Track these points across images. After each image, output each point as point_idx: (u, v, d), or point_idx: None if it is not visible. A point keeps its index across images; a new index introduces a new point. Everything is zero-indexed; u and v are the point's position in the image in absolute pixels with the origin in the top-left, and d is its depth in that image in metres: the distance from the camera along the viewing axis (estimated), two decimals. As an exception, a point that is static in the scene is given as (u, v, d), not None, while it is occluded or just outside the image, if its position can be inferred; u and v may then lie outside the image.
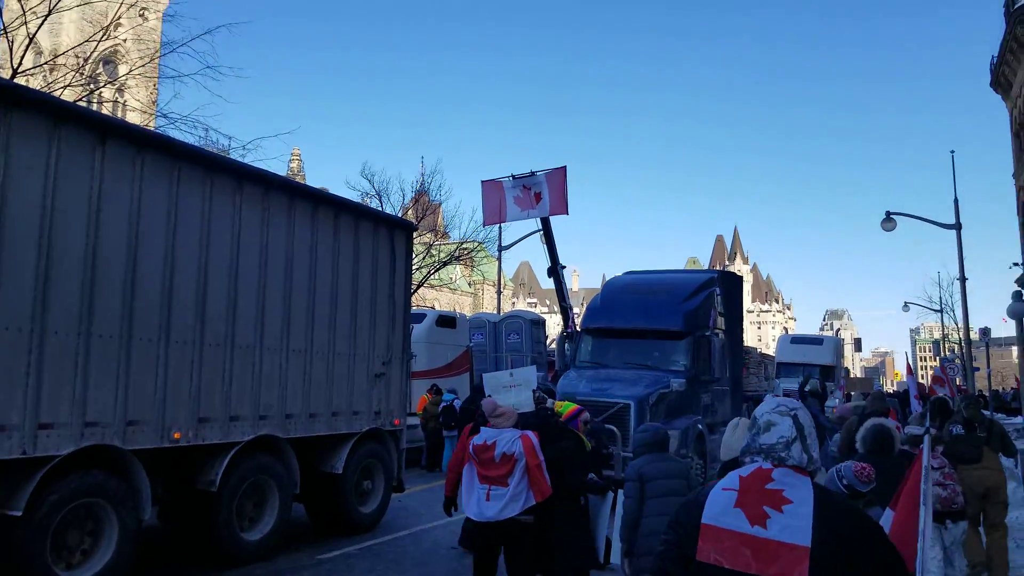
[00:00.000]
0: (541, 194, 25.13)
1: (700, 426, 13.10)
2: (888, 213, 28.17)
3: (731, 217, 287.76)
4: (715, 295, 15.05)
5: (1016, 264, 52.06)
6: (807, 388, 17.01)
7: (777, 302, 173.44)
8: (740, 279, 16.76)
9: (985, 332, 35.70)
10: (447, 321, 19.30)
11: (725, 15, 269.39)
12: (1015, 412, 30.91)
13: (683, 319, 13.83)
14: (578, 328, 14.93)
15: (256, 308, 8.15)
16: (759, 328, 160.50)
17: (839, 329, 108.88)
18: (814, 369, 28.48)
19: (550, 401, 11.89)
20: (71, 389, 6.18)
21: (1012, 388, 56.96)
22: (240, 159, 11.38)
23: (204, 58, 23.40)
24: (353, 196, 41.12)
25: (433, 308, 37.99)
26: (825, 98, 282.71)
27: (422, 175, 34.50)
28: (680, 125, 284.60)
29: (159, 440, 6.96)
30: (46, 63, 16.89)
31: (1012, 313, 16.82)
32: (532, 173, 24.92)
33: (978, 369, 36.20)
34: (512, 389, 7.36)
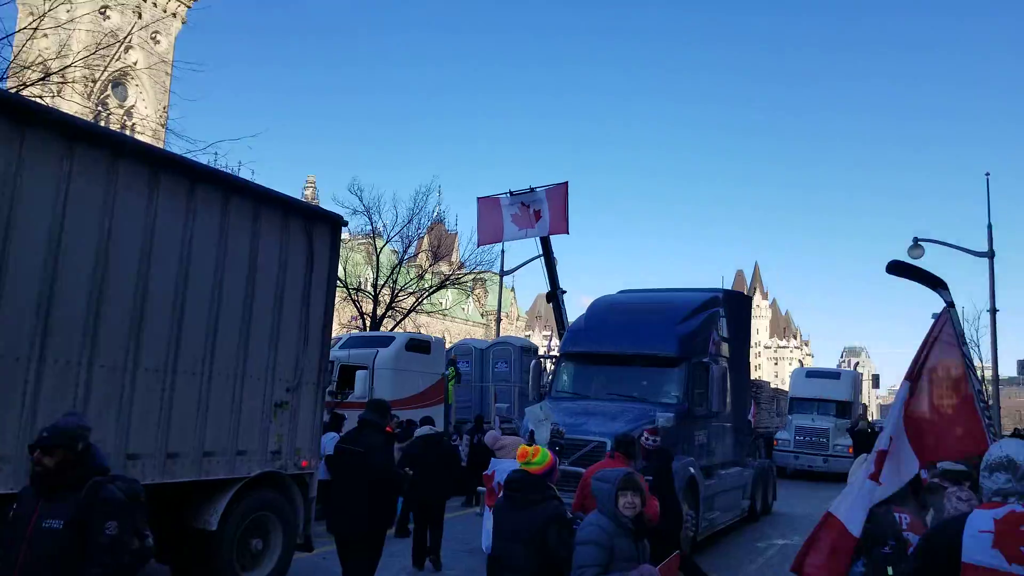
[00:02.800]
0: (541, 212, 23.19)
1: (692, 469, 10.89)
2: (916, 239, 26.17)
3: (751, 251, 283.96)
4: (718, 317, 12.91)
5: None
6: (856, 428, 14.77)
7: (795, 338, 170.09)
8: (748, 300, 14.63)
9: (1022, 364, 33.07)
10: (419, 345, 17.22)
11: (739, 43, 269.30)
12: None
13: (677, 343, 11.69)
14: (556, 352, 12.85)
15: (87, 309, 6.14)
16: (776, 364, 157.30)
17: (857, 364, 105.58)
18: (830, 405, 26.06)
19: (492, 434, 10.35)
20: None
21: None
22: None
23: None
24: (342, 213, 39.61)
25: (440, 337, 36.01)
26: (847, 128, 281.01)
27: (438, 204, 33.11)
28: (701, 157, 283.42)
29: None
30: (52, 79, 15.01)
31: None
32: (531, 189, 23.00)
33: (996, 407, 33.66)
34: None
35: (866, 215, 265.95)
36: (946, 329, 4.21)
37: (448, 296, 58.71)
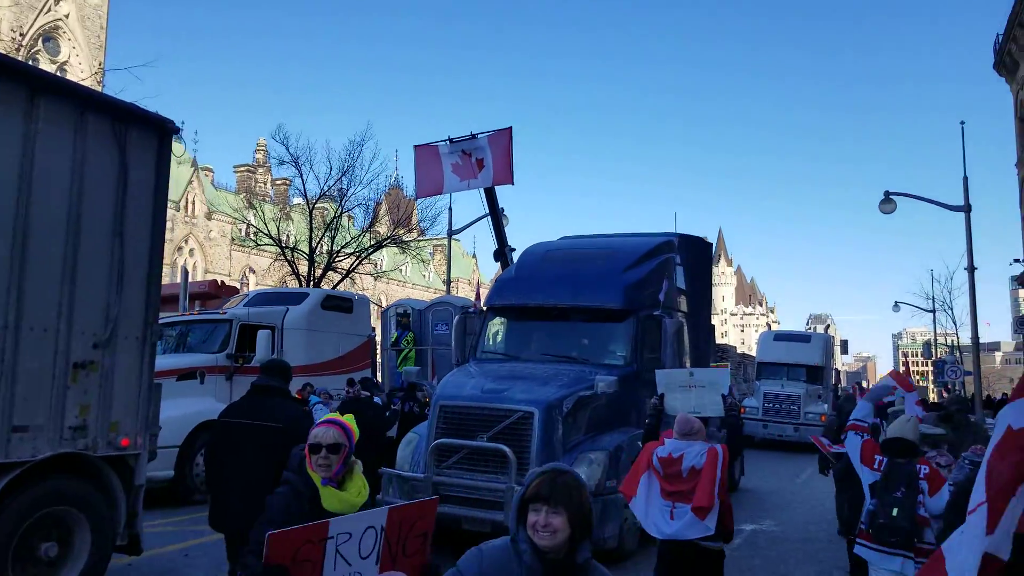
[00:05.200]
0: (484, 161, 21.20)
1: (641, 444, 9.10)
2: (887, 193, 24.71)
3: (716, 217, 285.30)
4: (673, 264, 11.10)
5: (1017, 260, 48.70)
6: (841, 405, 12.97)
7: (761, 304, 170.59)
8: (709, 246, 12.83)
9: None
10: (339, 303, 15.20)
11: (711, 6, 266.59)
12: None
13: (623, 294, 9.85)
14: (483, 307, 10.96)
15: None
16: (742, 331, 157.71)
17: (827, 327, 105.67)
18: (800, 370, 24.54)
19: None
20: None
21: (1004, 394, 53.73)
22: None
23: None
24: (269, 163, 36.39)
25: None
26: (814, 94, 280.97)
27: (396, 171, 30.88)
28: (664, 121, 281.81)
29: None
30: None
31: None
32: (473, 136, 20.88)
33: (969, 373, 32.68)
34: (692, 390, 7.03)
35: (833, 176, 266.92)
36: None
37: (408, 263, 56.62)
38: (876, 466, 5.09)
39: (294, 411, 5.45)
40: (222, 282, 21.67)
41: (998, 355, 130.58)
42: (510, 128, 20.94)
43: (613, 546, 8.18)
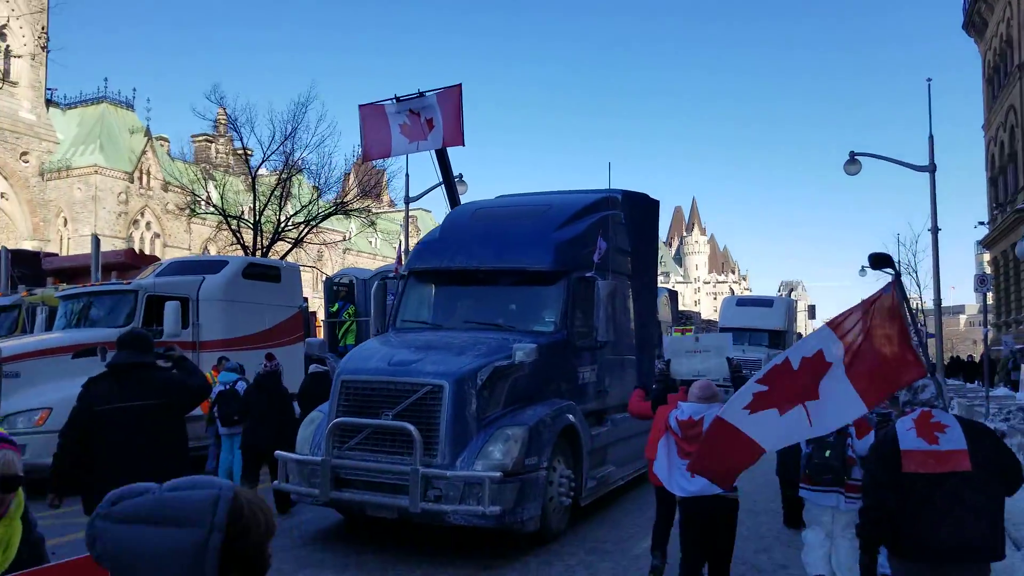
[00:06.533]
0: (433, 120, 20.12)
1: (571, 417, 8.28)
2: (852, 154, 24.09)
3: (690, 186, 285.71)
4: (613, 223, 10.16)
5: (982, 223, 48.60)
6: None
7: (734, 272, 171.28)
8: (655, 204, 11.90)
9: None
10: (263, 272, 14.13)
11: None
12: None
13: (553, 254, 8.93)
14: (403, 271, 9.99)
15: None
16: (715, 299, 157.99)
17: (791, 291, 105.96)
18: (762, 335, 24.01)
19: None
20: None
21: (970, 355, 53.93)
22: None
23: None
24: (204, 127, 35.07)
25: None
26: (781, 57, 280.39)
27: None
28: (635, 92, 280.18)
29: None
30: None
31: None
32: (420, 94, 19.63)
33: (932, 335, 32.44)
34: (697, 355, 7.16)
35: (806, 141, 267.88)
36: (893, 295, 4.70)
37: (376, 235, 55.22)
38: None
39: (163, 380, 5.01)
40: (141, 251, 20.46)
41: (963, 317, 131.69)
42: (459, 85, 19.72)
43: (534, 528, 7.37)
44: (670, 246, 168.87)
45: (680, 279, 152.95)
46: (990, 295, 26.86)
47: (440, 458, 7.18)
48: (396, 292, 9.71)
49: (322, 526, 8.66)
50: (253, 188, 26.05)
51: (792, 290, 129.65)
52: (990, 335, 20.86)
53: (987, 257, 41.92)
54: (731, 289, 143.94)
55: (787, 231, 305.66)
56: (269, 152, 26.26)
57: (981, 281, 14.61)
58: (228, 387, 10.68)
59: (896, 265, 5.88)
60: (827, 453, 5.73)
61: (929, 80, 25.95)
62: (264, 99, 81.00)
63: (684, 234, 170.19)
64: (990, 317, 26.56)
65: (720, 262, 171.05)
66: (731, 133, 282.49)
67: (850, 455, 5.76)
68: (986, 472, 3.74)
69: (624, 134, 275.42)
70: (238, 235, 26.35)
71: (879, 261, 6.15)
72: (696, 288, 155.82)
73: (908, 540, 3.79)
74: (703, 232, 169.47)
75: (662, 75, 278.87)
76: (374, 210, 31.44)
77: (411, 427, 7.07)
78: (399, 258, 13.29)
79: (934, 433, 3.81)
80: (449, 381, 7.32)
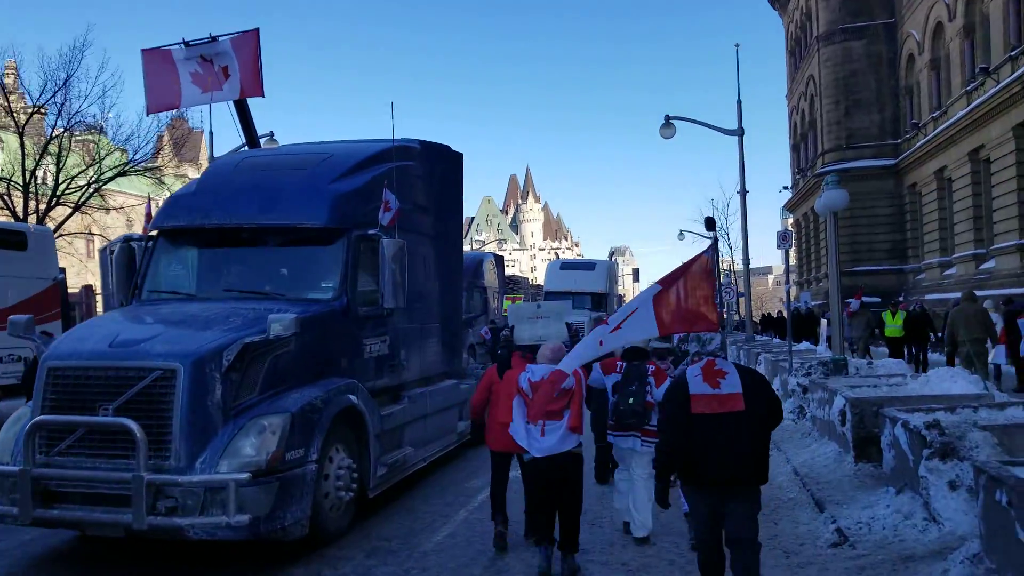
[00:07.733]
0: (229, 68, 17.89)
1: (353, 397, 7.11)
2: (667, 117, 24.39)
3: (523, 155, 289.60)
4: (405, 175, 8.89)
5: (786, 188, 51.95)
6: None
7: (567, 239, 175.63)
8: (459, 156, 10.85)
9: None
10: (3, 238, 11.83)
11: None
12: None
13: (329, 208, 7.65)
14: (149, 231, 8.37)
15: None
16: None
17: (613, 253, 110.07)
18: (585, 298, 23.95)
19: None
20: None
21: (779, 311, 57.97)
22: None
23: None
24: None
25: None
26: (602, 22, 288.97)
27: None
28: (468, 56, 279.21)
29: None
30: None
31: (822, 207, 12.45)
32: (213, 38, 17.35)
33: (743, 294, 34.31)
34: (539, 321, 7.07)
35: (630, 106, 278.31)
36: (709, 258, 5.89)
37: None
38: (618, 370, 6.59)
39: None
40: None
41: (770, 278, 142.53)
42: (256, 30, 17.58)
43: (300, 534, 6.17)
44: (506, 214, 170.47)
45: (516, 246, 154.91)
46: (792, 254, 28.28)
47: (174, 460, 5.79)
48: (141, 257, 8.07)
49: (37, 550, 7.00)
50: (21, 146, 22.56)
51: (618, 254, 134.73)
52: (792, 292, 21.80)
53: (791, 221, 44.85)
54: (564, 255, 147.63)
55: (615, 198, 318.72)
56: (40, 103, 22.85)
57: (784, 238, 14.95)
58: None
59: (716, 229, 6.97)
60: (631, 400, 6.32)
61: (737, 45, 26.81)
62: (32, 42, 72.61)
63: (520, 202, 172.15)
64: (792, 276, 27.99)
65: (554, 229, 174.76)
66: (562, 99, 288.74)
67: (649, 400, 6.33)
68: (756, 410, 4.42)
69: (460, 99, 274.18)
70: (6, 199, 22.81)
71: (709, 225, 6.71)
72: (532, 255, 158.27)
73: (696, 469, 4.43)
74: (537, 200, 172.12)
75: (498, 46, 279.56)
76: (167, 171, 28.29)
77: (131, 424, 5.63)
78: (148, 215, 11.45)
79: (716, 379, 4.47)
80: (185, 364, 5.91)
